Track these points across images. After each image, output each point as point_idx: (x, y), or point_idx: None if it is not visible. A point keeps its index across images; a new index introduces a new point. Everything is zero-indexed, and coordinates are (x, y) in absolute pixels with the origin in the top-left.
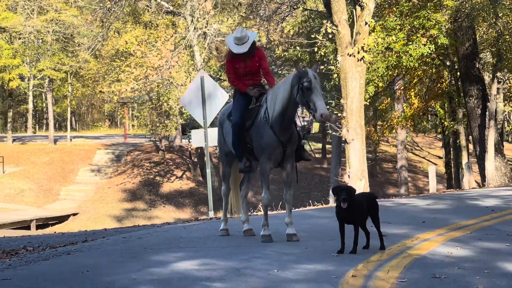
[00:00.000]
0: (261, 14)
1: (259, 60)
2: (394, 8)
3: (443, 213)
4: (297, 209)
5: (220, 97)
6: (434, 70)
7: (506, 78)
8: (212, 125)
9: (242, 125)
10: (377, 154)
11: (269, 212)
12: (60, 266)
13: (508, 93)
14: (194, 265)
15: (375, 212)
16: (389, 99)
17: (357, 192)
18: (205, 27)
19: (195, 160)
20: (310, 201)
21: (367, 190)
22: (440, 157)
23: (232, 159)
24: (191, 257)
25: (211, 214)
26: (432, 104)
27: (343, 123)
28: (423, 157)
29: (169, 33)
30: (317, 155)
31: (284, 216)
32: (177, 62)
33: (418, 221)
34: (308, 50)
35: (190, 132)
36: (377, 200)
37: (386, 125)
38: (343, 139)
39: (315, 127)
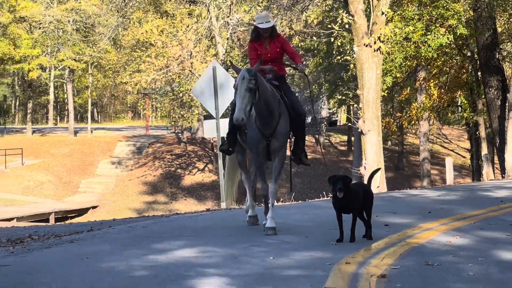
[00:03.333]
0: (284, 3)
1: (283, 45)
2: None
3: (451, 204)
4: (310, 201)
5: (232, 88)
6: (453, 60)
7: None
8: (225, 115)
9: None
10: (404, 146)
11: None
12: (61, 254)
13: None
14: (193, 252)
15: (370, 204)
16: (408, 89)
17: (352, 182)
18: (228, 16)
19: (218, 152)
20: (324, 192)
21: (384, 184)
22: (468, 150)
23: (242, 147)
24: (192, 245)
25: (223, 205)
26: (457, 96)
27: (359, 114)
28: (452, 150)
29: (189, 22)
30: (342, 148)
31: (290, 207)
32: (198, 52)
33: (424, 212)
34: (325, 40)
35: None
36: (370, 192)
37: (405, 117)
38: (359, 130)
39: (343, 119)
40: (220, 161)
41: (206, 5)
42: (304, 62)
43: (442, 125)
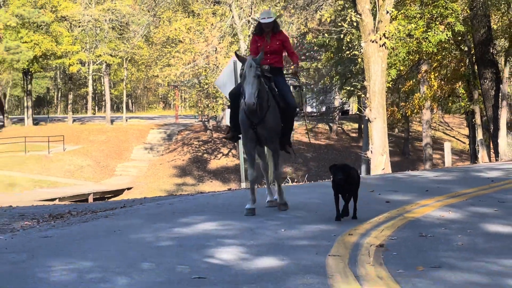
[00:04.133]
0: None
1: (283, 42)
2: None
3: (447, 183)
4: (321, 181)
5: None
6: (452, 55)
7: None
8: None
9: (236, 95)
10: (410, 133)
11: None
12: (96, 227)
13: None
14: (214, 226)
15: (357, 187)
16: (411, 82)
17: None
18: (249, 16)
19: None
20: None
21: (389, 166)
22: (467, 136)
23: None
24: (213, 220)
25: (243, 185)
26: (457, 87)
27: (367, 103)
28: (453, 136)
29: (214, 21)
30: (353, 135)
31: (303, 186)
32: (222, 48)
33: (422, 190)
34: (336, 36)
35: None
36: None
37: (409, 106)
38: (366, 118)
39: (354, 108)
40: (240, 147)
41: (228, 5)
42: (299, 63)
43: (444, 113)
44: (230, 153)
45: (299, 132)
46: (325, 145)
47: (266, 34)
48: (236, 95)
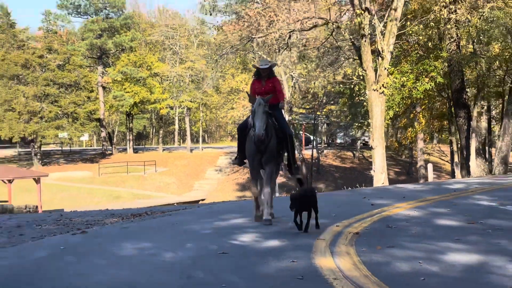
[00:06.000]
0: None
1: (273, 83)
2: (408, 58)
3: (421, 192)
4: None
5: None
6: (435, 99)
7: (486, 105)
8: None
9: (243, 129)
10: (414, 158)
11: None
12: (161, 222)
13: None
14: (242, 220)
15: (315, 203)
16: (405, 120)
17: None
18: (291, 72)
19: (286, 162)
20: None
21: (387, 181)
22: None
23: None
24: (243, 217)
25: (277, 194)
26: (445, 124)
27: (370, 135)
28: (446, 161)
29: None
30: (371, 160)
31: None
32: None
33: (400, 197)
34: (347, 86)
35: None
36: (315, 194)
37: (403, 137)
38: (370, 145)
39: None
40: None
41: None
42: (284, 102)
43: (438, 143)
44: (280, 172)
45: (329, 157)
46: (349, 167)
47: (263, 78)
48: (242, 129)
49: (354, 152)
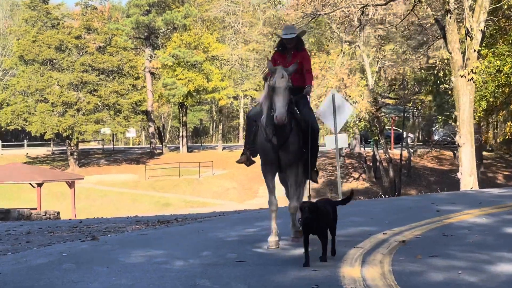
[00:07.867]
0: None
1: (302, 60)
2: (506, 37)
3: (505, 198)
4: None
5: (347, 110)
6: None
7: None
8: (341, 131)
9: (257, 117)
10: None
11: None
12: (186, 228)
13: None
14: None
15: (328, 223)
16: (504, 112)
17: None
18: (375, 54)
19: (370, 164)
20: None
21: (476, 184)
22: None
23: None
24: (282, 224)
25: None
26: None
27: (456, 130)
28: None
29: (343, 60)
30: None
31: (377, 201)
32: (351, 82)
33: (476, 203)
34: (430, 72)
35: (371, 140)
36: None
37: (502, 133)
38: (456, 143)
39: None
40: (338, 167)
41: (358, 46)
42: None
43: None
44: (360, 177)
45: (425, 158)
46: (448, 170)
47: (288, 51)
48: (251, 117)
49: (455, 152)
